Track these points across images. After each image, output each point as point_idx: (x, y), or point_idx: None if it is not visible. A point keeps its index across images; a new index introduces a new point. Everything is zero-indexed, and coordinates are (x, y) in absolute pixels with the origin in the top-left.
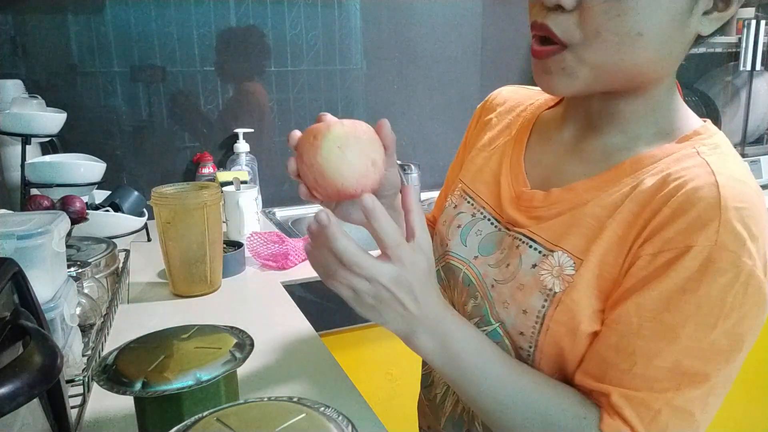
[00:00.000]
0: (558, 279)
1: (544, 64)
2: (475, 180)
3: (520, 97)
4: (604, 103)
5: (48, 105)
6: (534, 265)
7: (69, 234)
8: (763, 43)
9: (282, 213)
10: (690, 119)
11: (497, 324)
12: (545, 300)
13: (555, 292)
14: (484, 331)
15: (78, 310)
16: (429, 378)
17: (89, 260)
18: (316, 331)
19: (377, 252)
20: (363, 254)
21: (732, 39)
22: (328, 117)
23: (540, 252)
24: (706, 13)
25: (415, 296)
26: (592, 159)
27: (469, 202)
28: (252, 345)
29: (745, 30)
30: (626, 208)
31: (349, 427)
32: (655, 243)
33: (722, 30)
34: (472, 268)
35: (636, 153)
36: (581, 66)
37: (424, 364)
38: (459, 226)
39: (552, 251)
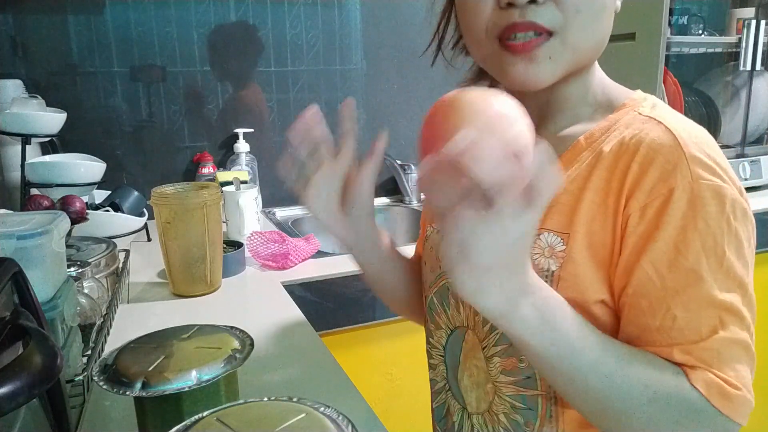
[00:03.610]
0: (551, 258)
1: (531, 56)
2: None
3: None
4: (552, 92)
5: (48, 105)
6: None
7: (69, 234)
8: (763, 43)
9: (282, 213)
10: (620, 90)
11: None
12: (547, 282)
13: (552, 271)
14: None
15: (78, 310)
16: (444, 408)
17: (89, 260)
18: (316, 331)
19: None
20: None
21: (732, 39)
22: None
23: None
24: None
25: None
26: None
27: None
28: (252, 345)
29: (745, 30)
30: (596, 176)
31: (349, 427)
32: (638, 198)
33: (722, 30)
34: None
35: (586, 130)
36: (565, 50)
37: (434, 396)
38: None
39: (537, 235)
